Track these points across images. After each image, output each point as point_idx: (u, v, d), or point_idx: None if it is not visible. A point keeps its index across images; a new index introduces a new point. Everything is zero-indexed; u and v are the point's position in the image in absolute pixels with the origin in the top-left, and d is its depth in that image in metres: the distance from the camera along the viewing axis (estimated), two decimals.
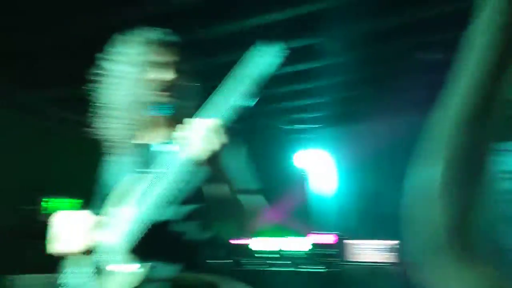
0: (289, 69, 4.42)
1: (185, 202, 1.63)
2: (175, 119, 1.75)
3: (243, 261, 5.76)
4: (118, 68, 1.78)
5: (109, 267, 1.56)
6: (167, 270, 1.56)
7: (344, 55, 4.35)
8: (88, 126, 1.81)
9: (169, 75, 1.72)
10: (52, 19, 3.70)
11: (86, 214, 1.70)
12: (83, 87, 1.83)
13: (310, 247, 5.63)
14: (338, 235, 5.69)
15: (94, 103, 1.81)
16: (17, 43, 3.99)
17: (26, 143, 5.48)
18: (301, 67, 4.54)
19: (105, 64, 1.80)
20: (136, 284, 1.47)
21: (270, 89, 4.87)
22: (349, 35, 3.91)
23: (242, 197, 1.57)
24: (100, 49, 1.82)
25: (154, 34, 1.79)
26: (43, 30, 3.82)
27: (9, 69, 4.47)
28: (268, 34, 3.53)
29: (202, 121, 1.41)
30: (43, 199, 5.73)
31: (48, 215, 5.73)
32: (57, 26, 3.76)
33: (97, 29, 3.70)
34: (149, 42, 1.76)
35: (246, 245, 5.78)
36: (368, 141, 6.32)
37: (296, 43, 3.94)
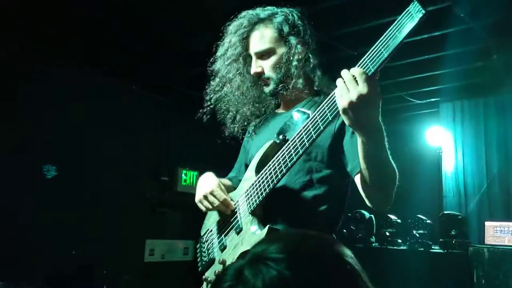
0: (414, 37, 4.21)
1: (309, 170, 1.67)
2: (296, 91, 1.79)
3: (366, 235, 5.70)
4: (238, 44, 1.85)
5: (241, 228, 1.66)
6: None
7: (475, 22, 4.02)
8: (216, 102, 1.92)
9: (282, 51, 1.76)
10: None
11: (221, 180, 1.83)
12: (208, 65, 1.94)
13: (436, 226, 5.39)
14: (465, 216, 5.42)
15: (219, 79, 1.91)
16: (141, 22, 4.21)
17: (157, 119, 5.89)
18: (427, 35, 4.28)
19: (226, 41, 1.88)
20: (264, 243, 1.50)
21: (396, 61, 4.68)
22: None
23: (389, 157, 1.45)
24: (221, 27, 1.90)
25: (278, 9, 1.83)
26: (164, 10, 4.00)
27: (135, 50, 4.76)
28: None
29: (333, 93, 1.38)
30: (179, 171, 6.11)
31: (183, 185, 6.13)
32: (181, 6, 3.91)
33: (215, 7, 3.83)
34: (258, 22, 1.80)
35: (369, 219, 5.71)
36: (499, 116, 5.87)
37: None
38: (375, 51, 1.28)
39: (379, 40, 1.28)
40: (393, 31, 1.25)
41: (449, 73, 5.27)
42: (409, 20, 1.22)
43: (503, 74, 5.26)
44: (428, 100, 6.28)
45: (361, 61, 1.32)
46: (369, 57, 1.30)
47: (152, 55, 4.89)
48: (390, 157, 1.44)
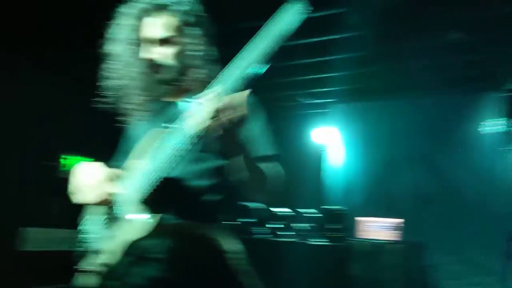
0: (307, 40, 4.37)
1: (200, 160, 1.67)
2: (190, 81, 1.78)
3: (250, 227, 5.83)
4: (126, 33, 1.79)
5: (123, 217, 1.63)
6: (175, 222, 1.59)
7: (365, 29, 4.28)
8: (104, 86, 1.85)
9: (183, 40, 1.74)
10: None
11: (104, 167, 1.75)
12: (97, 48, 1.86)
13: (319, 220, 5.66)
14: (346, 211, 5.69)
15: (107, 66, 1.84)
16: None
17: (43, 101, 5.57)
18: (319, 38, 4.47)
19: (114, 28, 1.82)
20: (146, 233, 1.50)
21: (287, 61, 4.83)
22: (371, 8, 3.85)
23: (256, 164, 1.55)
24: (110, 13, 1.83)
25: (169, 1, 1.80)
26: None
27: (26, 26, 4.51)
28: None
29: (217, 87, 1.40)
30: (63, 156, 5.87)
31: (66, 171, 5.88)
32: None
33: None
34: (162, 8, 1.75)
35: (256, 211, 5.83)
36: (383, 119, 6.30)
37: (317, 12, 3.85)
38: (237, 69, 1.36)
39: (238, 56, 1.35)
40: (259, 44, 1.32)
41: (338, 76, 5.56)
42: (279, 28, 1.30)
43: (388, 80, 5.67)
44: (317, 101, 6.57)
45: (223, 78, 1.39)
46: (232, 75, 1.37)
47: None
48: (266, 162, 1.54)
